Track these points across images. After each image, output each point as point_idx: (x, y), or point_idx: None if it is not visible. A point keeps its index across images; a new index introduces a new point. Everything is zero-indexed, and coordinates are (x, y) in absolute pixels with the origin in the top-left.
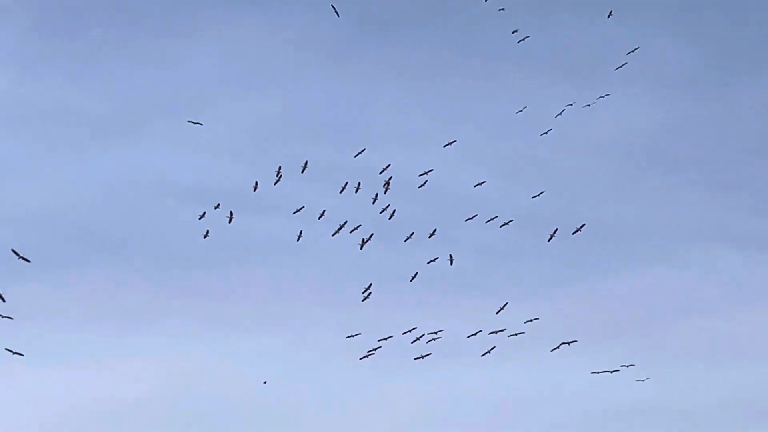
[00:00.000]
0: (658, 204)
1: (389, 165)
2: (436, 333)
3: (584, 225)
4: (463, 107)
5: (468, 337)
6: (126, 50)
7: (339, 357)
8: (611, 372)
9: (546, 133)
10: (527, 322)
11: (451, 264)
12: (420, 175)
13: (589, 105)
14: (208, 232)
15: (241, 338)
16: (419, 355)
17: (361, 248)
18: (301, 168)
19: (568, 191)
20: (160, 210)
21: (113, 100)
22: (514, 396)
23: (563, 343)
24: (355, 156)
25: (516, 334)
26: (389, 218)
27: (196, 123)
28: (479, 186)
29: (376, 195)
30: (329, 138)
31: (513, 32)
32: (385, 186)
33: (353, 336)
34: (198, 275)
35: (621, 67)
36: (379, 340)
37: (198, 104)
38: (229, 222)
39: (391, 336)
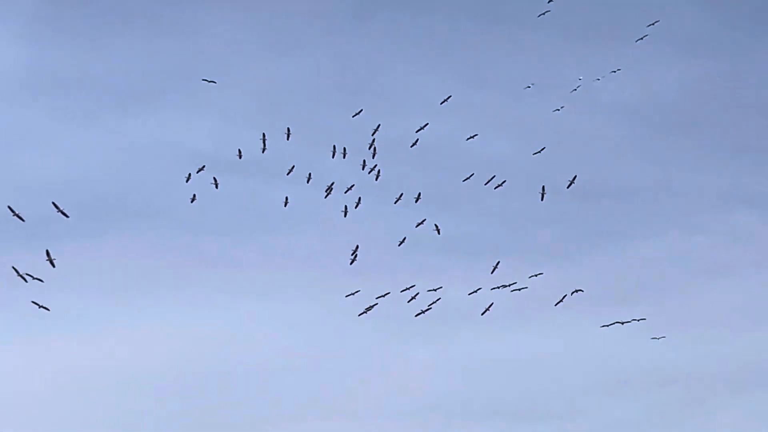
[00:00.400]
0: (675, 168)
1: (379, 125)
2: (435, 290)
3: (576, 176)
4: (480, 75)
5: (469, 294)
6: (141, 18)
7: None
8: (622, 323)
9: (558, 110)
10: (532, 276)
11: (438, 233)
12: (417, 131)
13: (599, 79)
14: (195, 196)
15: (255, 303)
16: (420, 311)
17: (345, 215)
18: (286, 135)
19: (583, 155)
20: (178, 177)
21: (130, 68)
22: (523, 356)
23: (567, 295)
24: (353, 116)
25: (519, 289)
26: (376, 179)
27: (210, 81)
28: (471, 139)
29: (366, 162)
30: (344, 103)
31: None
32: (371, 148)
33: (353, 294)
34: (211, 242)
35: (642, 39)
36: (377, 297)
37: (214, 71)
38: (216, 188)
39: (389, 293)
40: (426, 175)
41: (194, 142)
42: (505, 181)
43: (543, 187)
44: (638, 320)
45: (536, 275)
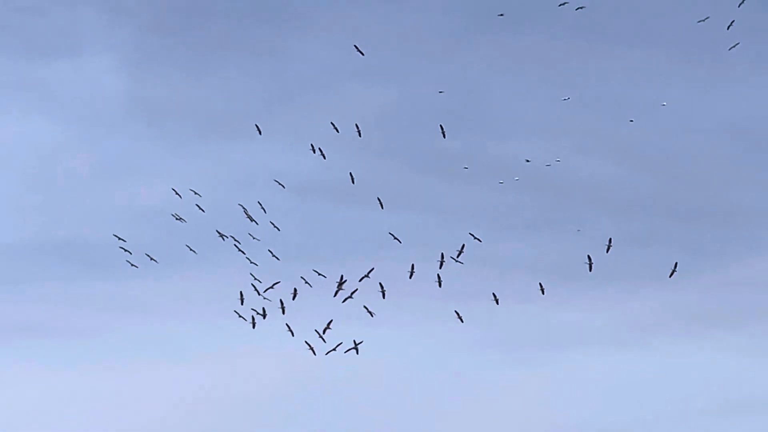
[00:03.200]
0: None
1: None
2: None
3: (558, 160)
4: (577, 92)
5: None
6: (242, 45)
7: None
8: None
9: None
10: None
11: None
12: (547, 165)
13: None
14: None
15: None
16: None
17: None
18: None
19: (685, 176)
20: (278, 205)
21: (231, 94)
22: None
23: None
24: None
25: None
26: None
27: (360, 50)
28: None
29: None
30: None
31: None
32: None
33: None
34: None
35: (734, 46)
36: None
37: (314, 97)
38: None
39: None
40: (522, 197)
41: (295, 168)
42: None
43: (610, 240)
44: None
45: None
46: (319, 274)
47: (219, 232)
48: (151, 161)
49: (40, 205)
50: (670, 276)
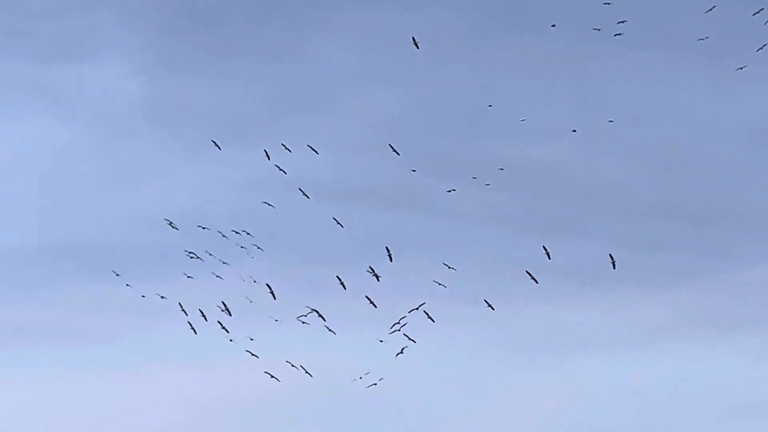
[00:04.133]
0: None
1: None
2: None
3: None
4: (594, 96)
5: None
6: (258, 49)
7: None
8: None
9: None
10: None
11: (549, 258)
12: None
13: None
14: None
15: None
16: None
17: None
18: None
19: (699, 179)
20: (295, 208)
21: (245, 98)
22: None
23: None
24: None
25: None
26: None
27: (216, 145)
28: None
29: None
30: (460, 130)
31: (618, 31)
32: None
33: None
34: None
35: (762, 48)
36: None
37: (329, 100)
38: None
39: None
40: (538, 201)
41: (309, 172)
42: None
43: (611, 256)
44: None
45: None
46: (341, 281)
47: (188, 252)
48: (165, 165)
49: (53, 209)
50: (614, 268)
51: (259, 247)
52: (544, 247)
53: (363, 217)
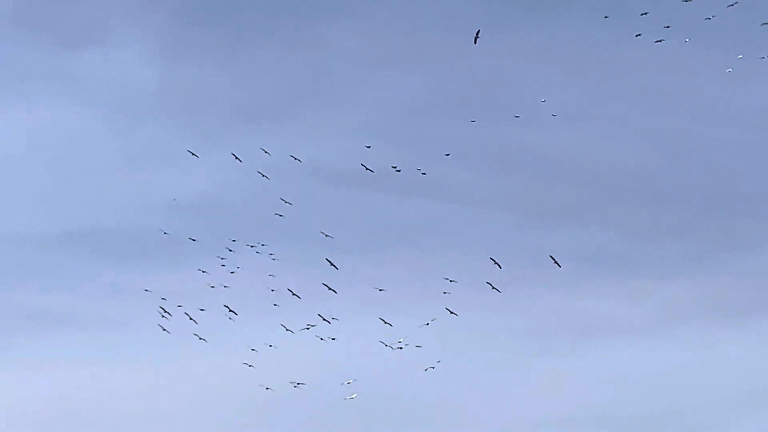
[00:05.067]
0: None
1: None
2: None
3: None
4: (611, 83)
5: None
6: (272, 34)
7: None
8: None
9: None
10: None
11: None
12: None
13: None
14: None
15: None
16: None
17: None
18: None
19: (716, 166)
20: (312, 193)
21: (261, 85)
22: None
23: None
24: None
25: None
26: None
27: (193, 154)
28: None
29: None
30: (477, 115)
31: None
32: None
33: None
34: (349, 259)
35: None
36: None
37: (345, 87)
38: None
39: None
40: (554, 187)
41: (324, 158)
42: None
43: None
44: None
45: None
46: (331, 264)
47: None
48: (180, 150)
49: (69, 194)
50: (559, 266)
51: (263, 244)
52: (551, 256)
53: (377, 202)
